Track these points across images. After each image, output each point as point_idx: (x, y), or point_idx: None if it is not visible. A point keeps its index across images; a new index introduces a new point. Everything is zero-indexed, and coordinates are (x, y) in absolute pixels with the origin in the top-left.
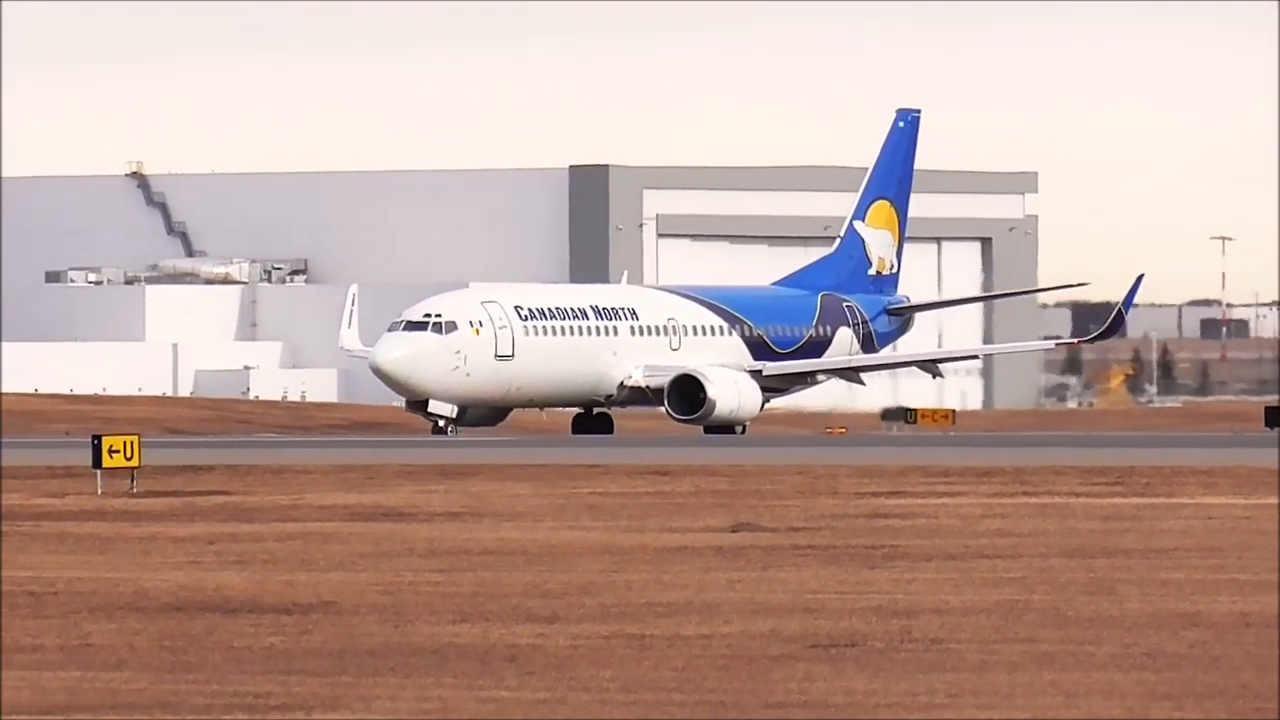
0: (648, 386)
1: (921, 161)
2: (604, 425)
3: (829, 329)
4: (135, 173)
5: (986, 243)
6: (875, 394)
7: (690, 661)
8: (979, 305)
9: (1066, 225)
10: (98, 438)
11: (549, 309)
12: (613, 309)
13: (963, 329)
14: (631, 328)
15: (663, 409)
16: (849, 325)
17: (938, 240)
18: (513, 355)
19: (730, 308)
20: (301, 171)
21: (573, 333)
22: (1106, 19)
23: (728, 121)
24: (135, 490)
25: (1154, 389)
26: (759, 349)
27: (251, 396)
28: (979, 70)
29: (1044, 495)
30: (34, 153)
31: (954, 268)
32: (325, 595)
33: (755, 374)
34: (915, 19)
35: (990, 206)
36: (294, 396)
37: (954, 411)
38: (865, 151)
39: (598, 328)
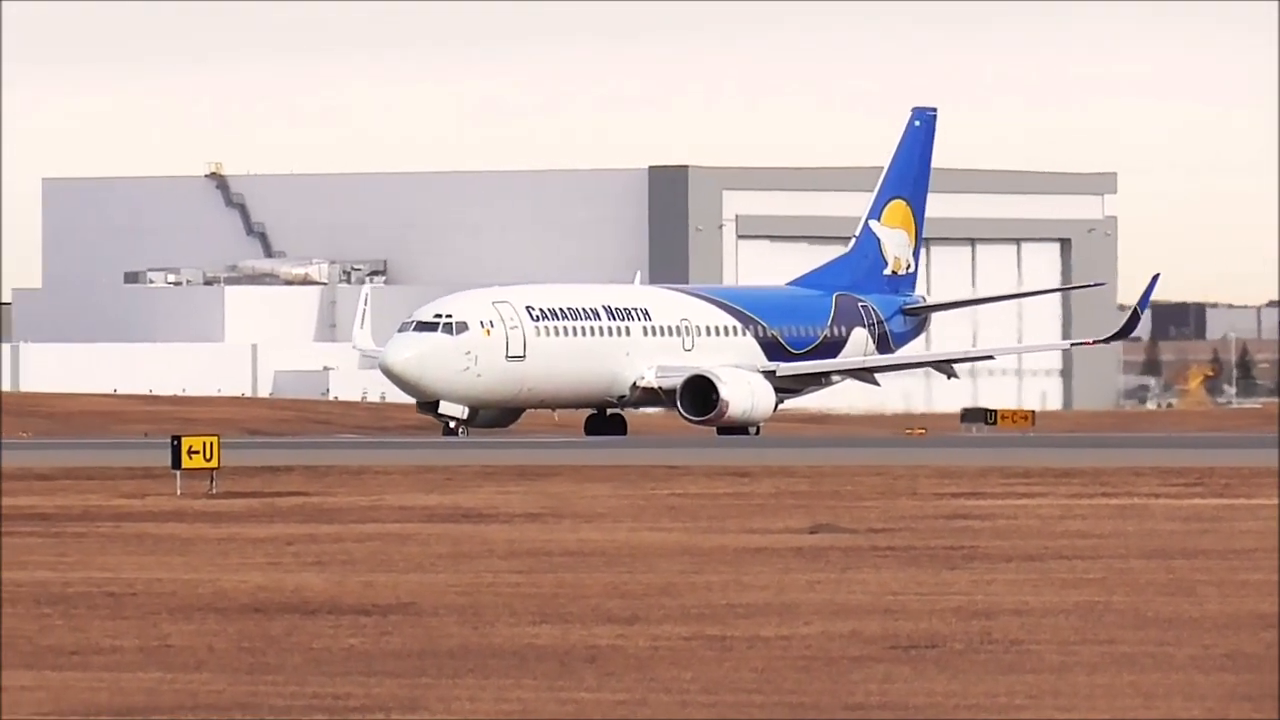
0: (660, 387)
1: (1001, 162)
2: (617, 426)
3: (844, 329)
4: (214, 174)
5: (1066, 244)
6: (955, 395)
7: (770, 663)
8: (1059, 305)
9: (1146, 225)
10: (177, 439)
11: (561, 309)
12: (625, 309)
13: (1043, 329)
14: (644, 328)
15: (676, 410)
16: (864, 325)
17: (1017, 241)
18: (524, 356)
19: (744, 308)
20: (381, 172)
21: (585, 333)
22: (1184, 16)
23: (807, 121)
24: (214, 491)
25: (1233, 390)
26: (773, 349)
27: (331, 397)
28: (1064, 70)
29: (1123, 496)
30: (114, 154)
31: (1034, 269)
32: (404, 596)
33: (769, 375)
34: (998, 18)
35: (1070, 207)
36: (373, 397)
37: (1033, 413)
38: (949, 151)
39: (610, 328)
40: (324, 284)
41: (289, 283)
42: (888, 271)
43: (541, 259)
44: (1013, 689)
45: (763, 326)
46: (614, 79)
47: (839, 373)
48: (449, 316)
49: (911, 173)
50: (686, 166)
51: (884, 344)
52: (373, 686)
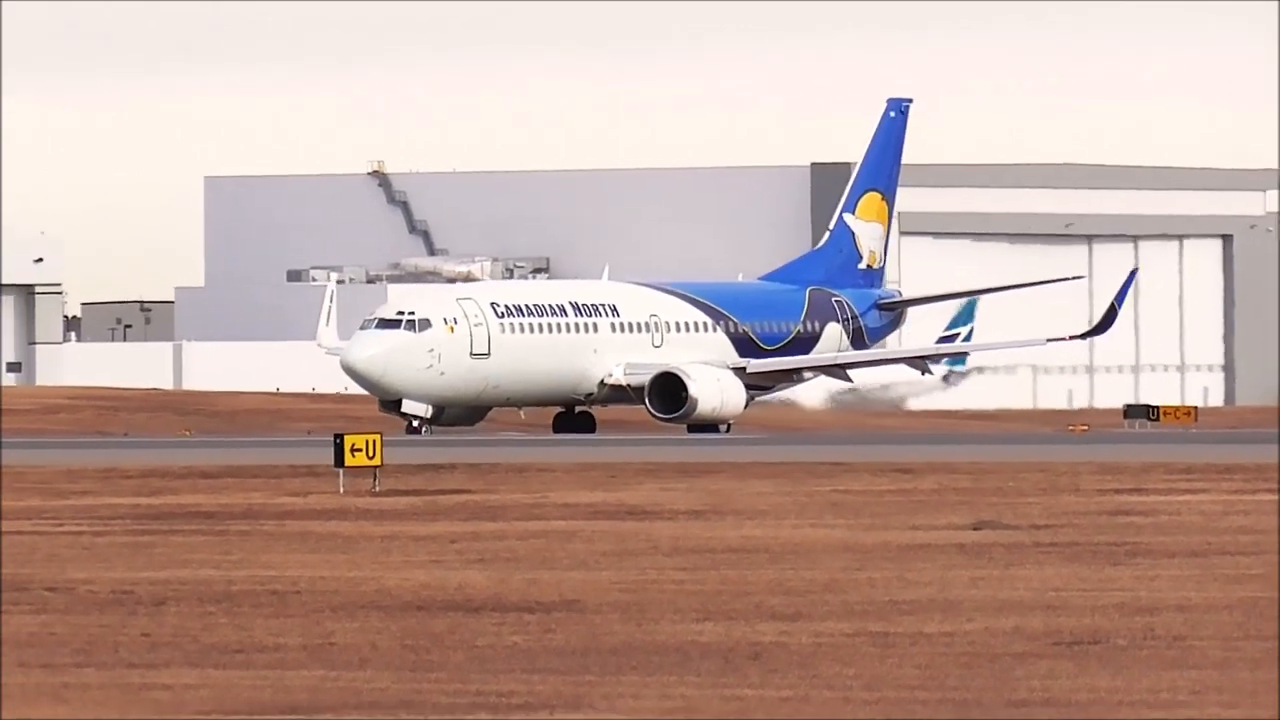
0: (629, 384)
1: (1162, 159)
2: (586, 424)
3: (817, 324)
4: (376, 171)
5: (1227, 240)
6: (1116, 391)
7: (933, 659)
8: (1220, 304)
9: None
10: (340, 437)
11: (526, 306)
12: (593, 305)
13: (1203, 325)
14: (612, 324)
15: (644, 407)
16: (838, 320)
17: (1179, 238)
18: (488, 353)
19: (714, 303)
20: (543, 169)
21: (551, 330)
22: None
23: (968, 117)
24: (377, 489)
25: None
26: (745, 345)
27: None
28: (1230, 65)
29: None
30: (277, 152)
31: (1195, 265)
32: (568, 594)
33: (739, 371)
34: (1159, 13)
35: (1231, 203)
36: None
37: (1196, 408)
38: (1106, 148)
39: (577, 324)
40: (487, 281)
41: (451, 280)
42: (862, 266)
43: (703, 255)
44: (1176, 685)
45: (734, 322)
46: (776, 75)
47: (810, 369)
48: (412, 314)
49: (886, 165)
50: (849, 163)
51: (859, 339)
52: (536, 684)
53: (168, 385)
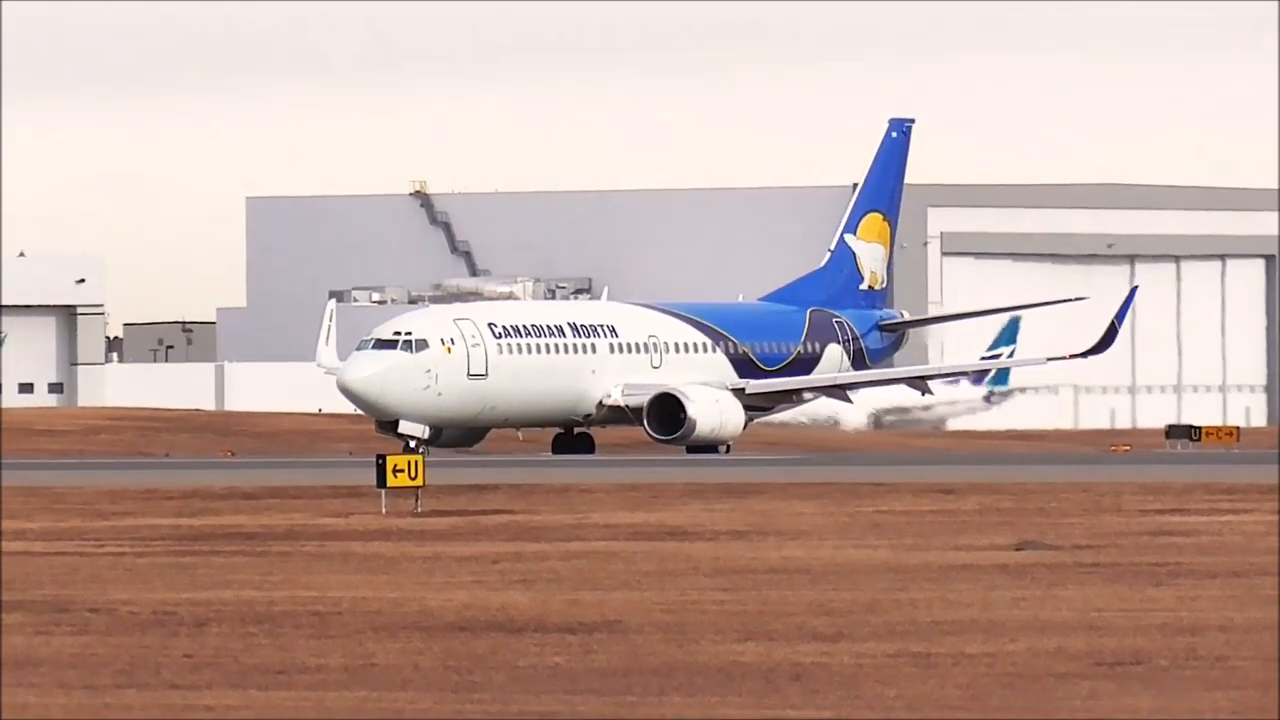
0: (627, 405)
1: (1202, 179)
2: (585, 445)
3: (818, 345)
4: (418, 192)
5: (1270, 260)
6: (1158, 411)
7: (975, 680)
8: (1261, 325)
9: None
10: (382, 457)
11: (524, 326)
12: (591, 326)
13: (1245, 345)
14: (611, 345)
15: (643, 428)
16: (839, 341)
17: (1221, 258)
18: (486, 374)
19: (714, 324)
20: (585, 190)
21: (549, 350)
22: None
23: (1011, 138)
24: (419, 510)
25: None
26: (744, 366)
27: None
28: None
29: None
30: (318, 172)
31: (1237, 285)
32: (610, 614)
33: (738, 392)
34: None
35: (1274, 224)
36: None
37: (1238, 429)
38: (1155, 168)
39: (576, 345)
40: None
41: (493, 301)
42: (864, 287)
43: (746, 275)
44: (1218, 706)
45: (733, 343)
46: (818, 95)
47: (810, 390)
48: (409, 334)
49: (888, 186)
50: None
51: (860, 360)
52: (578, 705)
53: (209, 406)
